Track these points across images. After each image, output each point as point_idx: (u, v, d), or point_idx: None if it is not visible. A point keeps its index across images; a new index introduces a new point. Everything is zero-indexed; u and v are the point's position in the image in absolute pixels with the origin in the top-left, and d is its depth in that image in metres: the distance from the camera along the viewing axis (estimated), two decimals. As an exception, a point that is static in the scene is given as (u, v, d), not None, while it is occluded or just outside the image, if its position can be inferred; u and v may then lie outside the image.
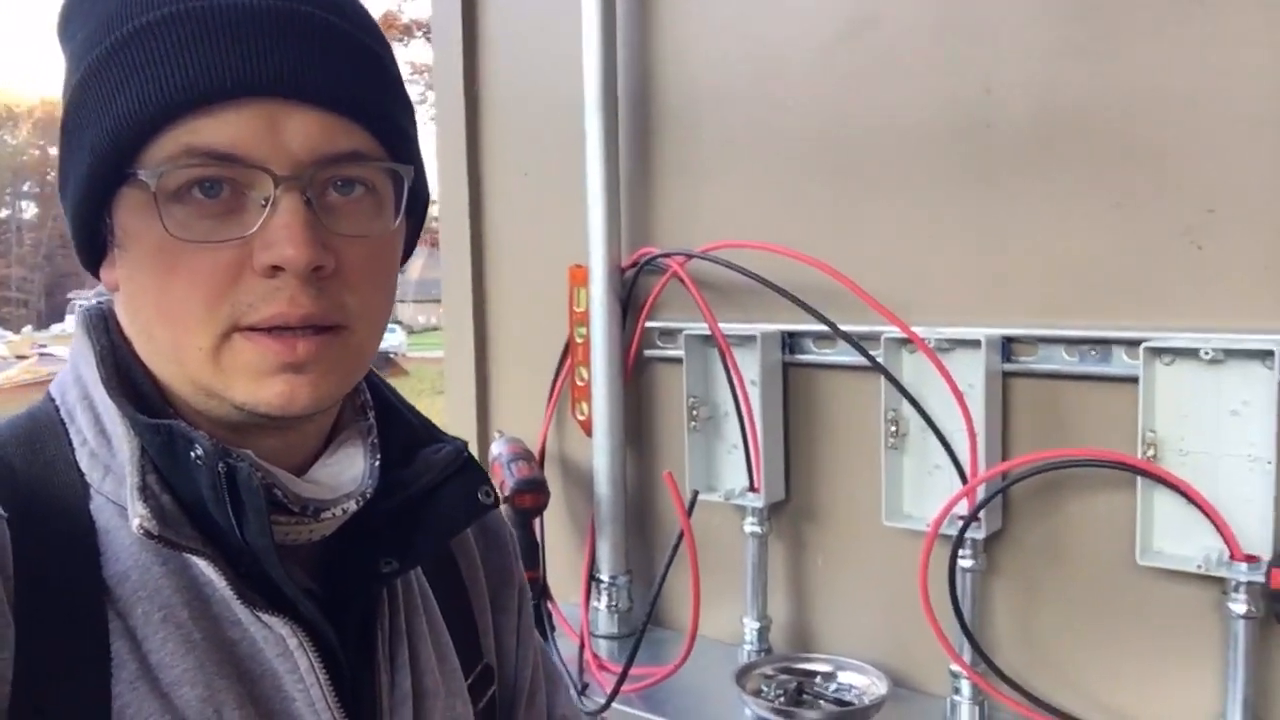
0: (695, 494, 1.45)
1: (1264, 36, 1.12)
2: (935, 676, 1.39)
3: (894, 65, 1.39)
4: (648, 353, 1.68)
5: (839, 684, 1.41)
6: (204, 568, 0.62)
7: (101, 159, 0.61)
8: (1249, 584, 1.12)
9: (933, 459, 1.36)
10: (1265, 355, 1.11)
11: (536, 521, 1.62)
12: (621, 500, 1.67)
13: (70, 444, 0.65)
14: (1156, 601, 1.23)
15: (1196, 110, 1.17)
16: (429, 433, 0.76)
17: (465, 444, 0.74)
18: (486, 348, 1.94)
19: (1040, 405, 1.31)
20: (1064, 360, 1.28)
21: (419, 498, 0.71)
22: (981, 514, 1.27)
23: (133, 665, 0.60)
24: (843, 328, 1.39)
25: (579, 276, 1.68)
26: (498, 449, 1.68)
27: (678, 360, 1.59)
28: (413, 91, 0.74)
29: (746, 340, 1.50)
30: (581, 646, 1.57)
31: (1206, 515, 1.14)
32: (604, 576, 1.67)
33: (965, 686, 1.32)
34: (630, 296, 1.66)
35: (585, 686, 1.51)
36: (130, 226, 0.63)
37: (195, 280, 0.61)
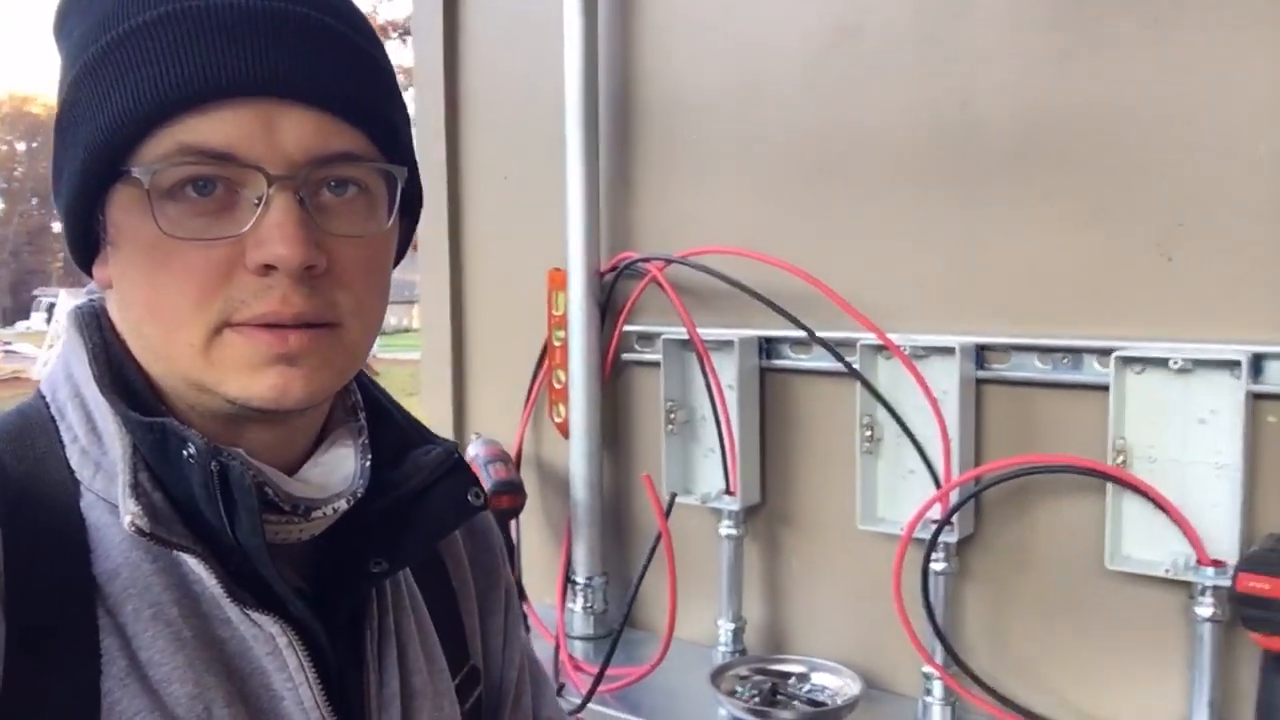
0: (673, 496, 1.46)
1: (1233, 55, 1.15)
2: (907, 678, 1.41)
3: (874, 75, 1.41)
4: (625, 356, 1.69)
5: (813, 685, 1.42)
6: (194, 565, 0.62)
7: (95, 156, 0.61)
8: (1215, 588, 1.14)
9: (907, 464, 1.38)
10: (1232, 365, 1.14)
11: (513, 523, 1.63)
12: (598, 502, 1.68)
13: (60, 441, 0.65)
14: (1125, 605, 1.26)
15: (1168, 125, 1.20)
16: (419, 434, 0.76)
17: (456, 446, 0.74)
18: (464, 349, 1.94)
19: (1013, 412, 1.33)
20: (1036, 368, 1.30)
21: (409, 498, 0.71)
22: (954, 518, 1.29)
23: (122, 662, 0.60)
24: (820, 334, 1.41)
25: (558, 280, 1.69)
26: (474, 450, 1.68)
27: (655, 364, 1.60)
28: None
29: (724, 345, 1.51)
30: (557, 648, 1.58)
31: (1174, 521, 1.17)
32: (579, 578, 1.68)
33: (937, 687, 1.34)
34: (609, 300, 1.67)
35: (561, 687, 1.51)
36: (123, 224, 0.63)
37: (187, 277, 0.61)
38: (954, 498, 1.30)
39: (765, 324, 1.49)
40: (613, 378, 1.71)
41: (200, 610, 0.64)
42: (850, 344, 1.40)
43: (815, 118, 1.47)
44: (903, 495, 1.39)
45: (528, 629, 1.62)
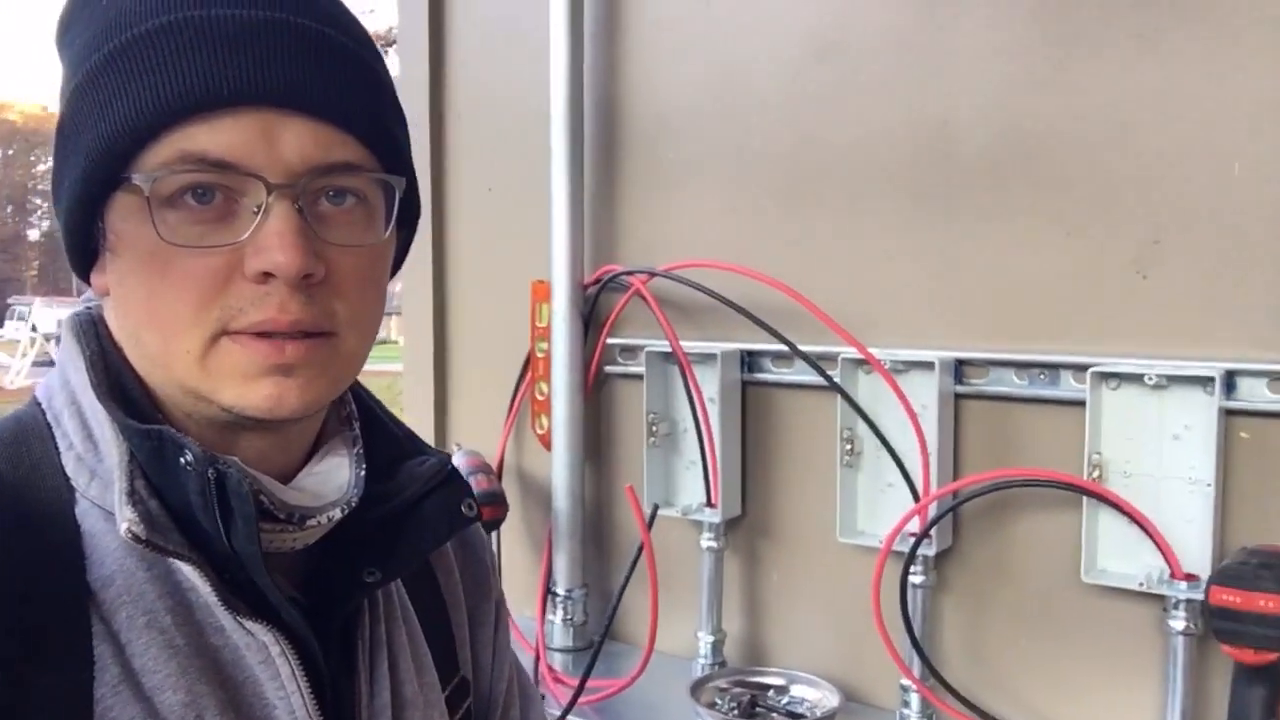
0: (656, 508, 1.47)
1: (1209, 76, 1.18)
2: (885, 690, 1.42)
3: (855, 92, 1.43)
4: (608, 369, 1.70)
5: (791, 697, 1.43)
6: (189, 573, 0.62)
7: (96, 163, 0.61)
8: (1188, 601, 1.16)
9: (886, 477, 1.39)
10: (1206, 381, 1.16)
11: (494, 535, 1.63)
12: (579, 514, 1.68)
13: (56, 448, 0.65)
14: (1100, 618, 1.27)
15: (1144, 144, 1.22)
16: (413, 445, 0.77)
17: (449, 457, 0.75)
18: (446, 360, 1.95)
19: (991, 426, 1.35)
20: (1014, 383, 1.32)
21: (402, 509, 0.72)
22: (933, 531, 1.31)
23: (115, 669, 0.60)
24: (801, 348, 1.42)
25: (541, 292, 1.69)
26: (456, 461, 1.68)
27: (638, 377, 1.61)
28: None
29: (706, 358, 1.52)
30: (537, 659, 1.58)
31: (1149, 535, 1.18)
32: (560, 590, 1.68)
33: (914, 700, 1.35)
34: (592, 313, 1.68)
35: (541, 699, 1.51)
36: (123, 231, 0.63)
37: (185, 285, 0.61)
38: (932, 511, 1.31)
39: (747, 337, 1.51)
40: (595, 390, 1.71)
41: (193, 618, 0.64)
42: (831, 358, 1.41)
43: (797, 134, 1.48)
44: (882, 508, 1.41)
45: (508, 640, 1.63)
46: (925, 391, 1.34)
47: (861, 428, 1.39)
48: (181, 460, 0.61)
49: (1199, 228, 1.19)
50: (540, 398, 1.72)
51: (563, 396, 1.65)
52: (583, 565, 1.69)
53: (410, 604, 0.80)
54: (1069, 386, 1.27)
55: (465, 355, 1.93)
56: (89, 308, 0.71)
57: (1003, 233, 1.32)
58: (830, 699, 1.39)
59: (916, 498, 1.33)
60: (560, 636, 1.68)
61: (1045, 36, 1.28)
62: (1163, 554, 1.18)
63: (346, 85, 0.64)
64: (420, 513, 0.72)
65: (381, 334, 0.75)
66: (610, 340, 1.68)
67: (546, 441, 1.70)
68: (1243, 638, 1.03)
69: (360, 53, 0.67)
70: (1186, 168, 1.19)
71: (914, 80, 1.38)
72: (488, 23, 1.84)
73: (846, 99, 1.44)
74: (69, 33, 0.66)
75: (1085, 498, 1.23)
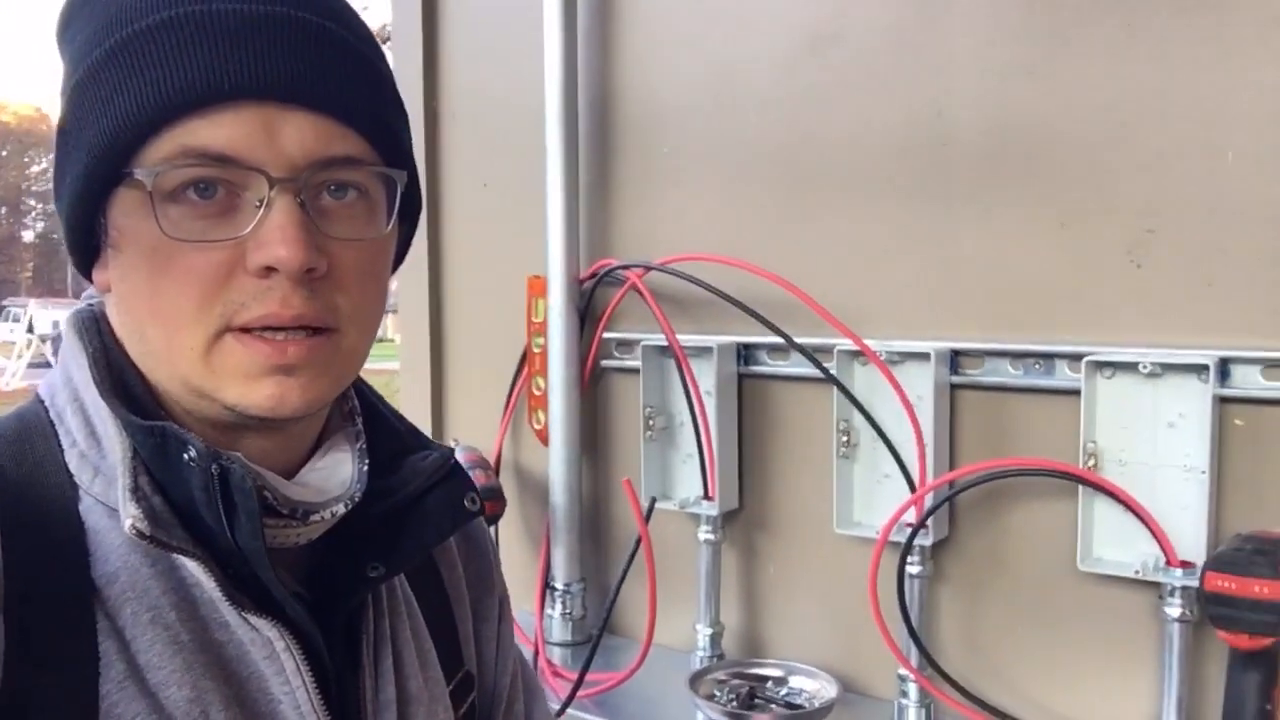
0: (653, 501, 1.47)
1: (1201, 65, 1.18)
2: (883, 680, 1.43)
3: (851, 83, 1.43)
4: (605, 363, 1.70)
5: (790, 688, 1.43)
6: (193, 569, 0.62)
7: (98, 159, 0.61)
8: (1184, 588, 1.17)
9: (883, 468, 1.40)
10: (1200, 369, 1.16)
11: (492, 529, 1.63)
12: (577, 509, 1.68)
13: (59, 445, 0.65)
14: (1096, 606, 1.28)
15: (1138, 134, 1.22)
16: (416, 439, 0.77)
17: (452, 451, 0.75)
18: (443, 356, 1.95)
19: (986, 416, 1.35)
20: (1009, 373, 1.32)
21: (406, 504, 0.72)
22: (929, 522, 1.31)
23: (121, 665, 0.60)
24: (797, 340, 1.42)
25: (537, 287, 1.70)
26: (454, 457, 1.68)
27: (635, 371, 1.61)
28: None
29: (703, 351, 1.53)
30: (536, 653, 1.58)
31: (1144, 523, 1.19)
32: (558, 584, 1.69)
33: (912, 690, 1.35)
34: (588, 307, 1.68)
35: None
36: (125, 226, 0.63)
37: (188, 280, 0.61)
38: (929, 501, 1.31)
39: (743, 330, 1.51)
40: (592, 384, 1.72)
41: (198, 614, 0.64)
42: (827, 350, 1.41)
43: (792, 126, 1.49)
44: (878, 499, 1.41)
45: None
46: (921, 382, 1.34)
47: (858, 419, 1.40)
48: (185, 456, 0.61)
49: (1193, 217, 1.20)
50: (537, 393, 1.73)
51: (559, 391, 1.66)
52: (581, 559, 1.69)
53: (414, 599, 0.80)
54: (1064, 376, 1.28)
55: (462, 351, 1.93)
56: (91, 305, 0.71)
57: (997, 223, 1.32)
58: (828, 689, 1.39)
59: (913, 488, 1.34)
60: (559, 630, 1.69)
61: (1038, 28, 1.28)
62: (1158, 541, 1.18)
63: (347, 79, 0.64)
64: (423, 507, 0.72)
65: (378, 332, 0.75)
66: (606, 334, 1.68)
67: (544, 436, 1.71)
68: (1238, 623, 1.03)
69: (360, 47, 0.67)
70: (1180, 157, 1.20)
71: (908, 72, 1.38)
72: (481, 19, 1.84)
73: (840, 92, 1.44)
74: (69, 29, 0.66)
75: (1081, 486, 1.24)
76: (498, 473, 1.78)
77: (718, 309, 1.50)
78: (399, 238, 0.73)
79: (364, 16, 0.72)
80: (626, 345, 1.67)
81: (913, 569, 1.34)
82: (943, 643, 1.39)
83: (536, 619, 1.68)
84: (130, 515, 0.60)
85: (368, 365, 0.72)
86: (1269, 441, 1.16)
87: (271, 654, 0.65)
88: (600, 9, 1.66)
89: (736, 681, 1.44)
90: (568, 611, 1.68)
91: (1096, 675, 1.29)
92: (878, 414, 1.37)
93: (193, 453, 0.61)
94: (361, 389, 0.78)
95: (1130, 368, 1.21)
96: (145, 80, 0.60)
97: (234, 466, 0.61)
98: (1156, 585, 1.20)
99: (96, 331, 0.68)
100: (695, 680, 1.41)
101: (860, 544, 1.42)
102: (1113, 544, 1.24)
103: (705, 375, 1.52)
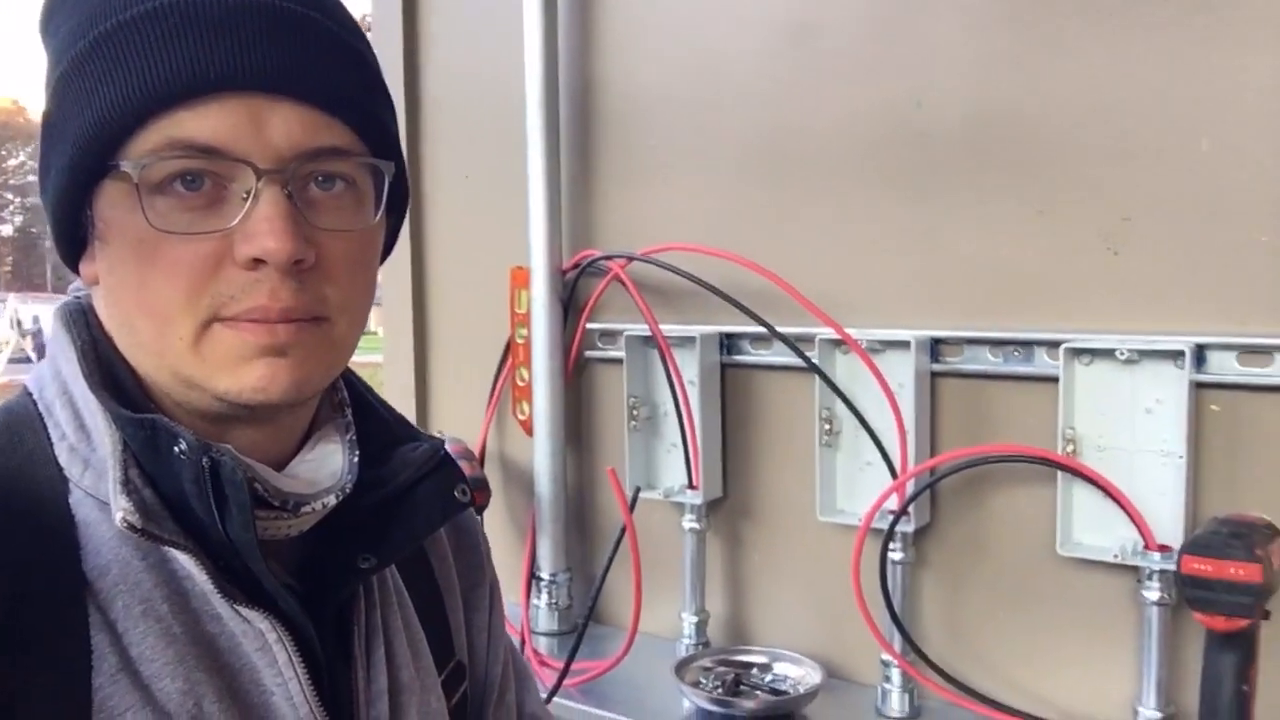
0: (638, 489, 1.48)
1: (1176, 55, 1.19)
2: (867, 666, 1.44)
3: (831, 73, 1.44)
4: (588, 353, 1.71)
5: (774, 675, 1.45)
6: (184, 562, 0.62)
7: (84, 151, 0.61)
8: (1162, 572, 1.18)
9: (865, 456, 1.41)
10: (1177, 356, 1.18)
11: (477, 520, 1.64)
12: (562, 499, 1.69)
13: (49, 438, 0.65)
14: (1076, 590, 1.29)
15: (1114, 123, 1.24)
16: (406, 430, 0.77)
17: (442, 442, 0.75)
18: (427, 348, 1.95)
19: (966, 404, 1.36)
20: (989, 361, 1.33)
21: (396, 495, 0.72)
22: (911, 508, 1.32)
23: (113, 658, 0.60)
24: (779, 329, 1.43)
25: (520, 278, 1.70)
26: (438, 448, 1.69)
27: (618, 361, 1.62)
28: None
29: (686, 341, 1.54)
30: (522, 643, 1.59)
31: (1122, 507, 1.20)
32: (544, 574, 1.69)
33: (895, 675, 1.37)
34: (571, 298, 1.69)
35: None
36: (111, 219, 0.63)
37: (176, 272, 0.61)
38: (910, 488, 1.32)
39: (726, 320, 1.52)
40: (576, 375, 1.72)
41: (190, 606, 0.64)
42: (809, 339, 1.42)
43: (773, 116, 1.49)
44: (861, 487, 1.42)
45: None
46: (902, 370, 1.35)
47: (840, 407, 1.41)
48: (175, 449, 0.61)
49: (1168, 204, 1.21)
50: (521, 384, 1.73)
51: (543, 382, 1.66)
52: (566, 549, 1.70)
53: (405, 589, 0.80)
54: (1043, 363, 1.29)
55: (445, 343, 1.93)
56: (78, 297, 0.70)
57: (976, 212, 1.33)
58: (813, 676, 1.41)
59: (894, 475, 1.35)
60: (545, 620, 1.69)
61: (1016, 19, 1.29)
62: (1136, 526, 1.20)
63: (333, 69, 0.64)
64: (414, 498, 0.72)
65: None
66: (590, 325, 1.68)
67: (528, 427, 1.71)
68: (1214, 605, 1.04)
69: (346, 37, 0.67)
70: (1156, 146, 1.21)
71: (886, 62, 1.39)
72: (461, 9, 1.84)
73: (820, 81, 1.45)
74: (53, 21, 0.66)
75: (1060, 472, 1.25)
76: (482, 464, 1.79)
77: (701, 299, 1.51)
78: (387, 228, 0.73)
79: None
80: (610, 336, 1.67)
81: (895, 555, 1.35)
82: (925, 628, 1.41)
83: (522, 609, 1.69)
84: (121, 508, 0.60)
85: (353, 358, 0.72)
86: (1245, 426, 1.18)
87: (264, 645, 0.65)
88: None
89: (722, 669, 1.45)
90: (553, 601, 1.69)
91: (1077, 658, 1.30)
92: (859, 402, 1.38)
93: (183, 445, 0.61)
94: (350, 380, 0.78)
95: (1108, 354, 1.22)
96: (130, 72, 0.60)
97: (225, 459, 0.61)
98: (1135, 569, 1.21)
99: (85, 324, 0.68)
100: (681, 668, 1.43)
101: (843, 531, 1.43)
102: (1092, 529, 1.25)
103: (688, 365, 1.53)
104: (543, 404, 1.66)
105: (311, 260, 0.63)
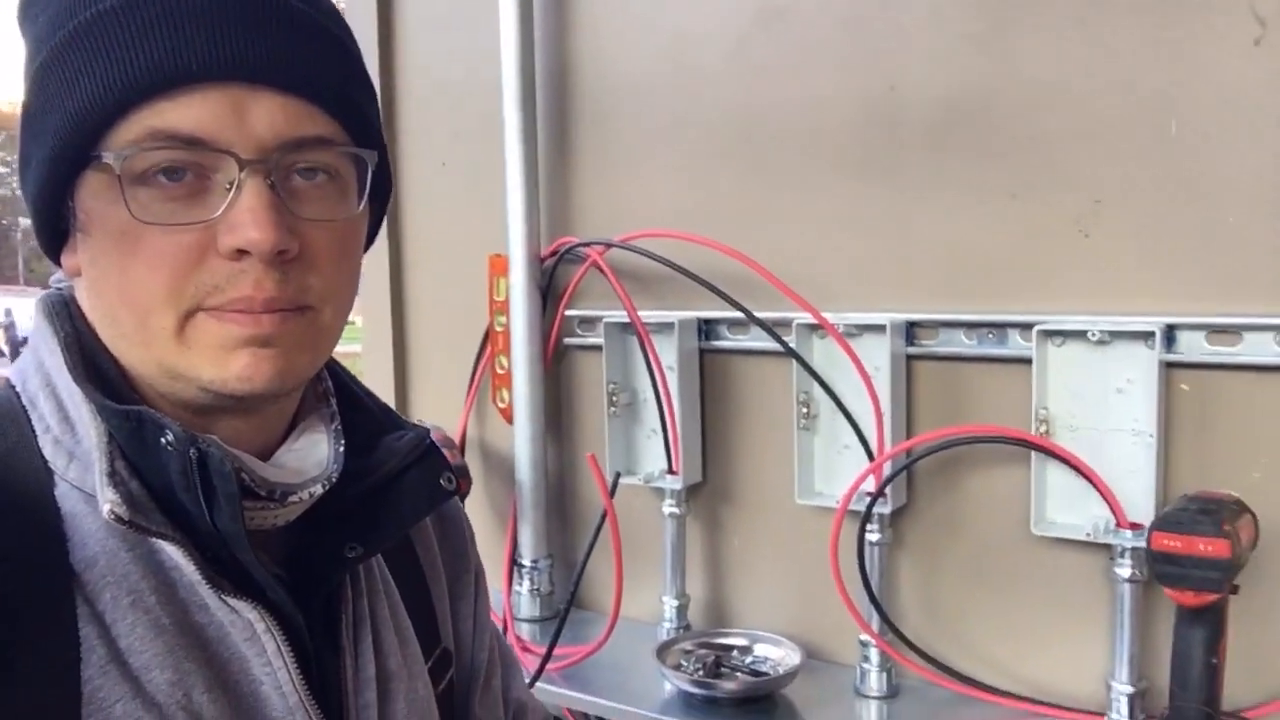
0: (618, 475, 1.49)
1: (1146, 39, 1.21)
2: (846, 646, 1.46)
3: (804, 58, 1.44)
4: (567, 340, 1.71)
5: (755, 656, 1.46)
6: (172, 552, 0.62)
7: (65, 142, 0.61)
8: (1133, 549, 1.20)
9: (842, 439, 1.42)
10: (1147, 336, 1.20)
11: (458, 508, 1.64)
12: (543, 486, 1.70)
13: (33, 431, 0.65)
14: (1049, 568, 1.31)
15: (1085, 107, 1.25)
16: (391, 420, 0.77)
17: (427, 431, 0.75)
18: (405, 337, 1.95)
19: (942, 386, 1.38)
20: (963, 343, 1.35)
21: (382, 484, 0.72)
22: (888, 490, 1.34)
23: (102, 650, 0.60)
24: (756, 314, 1.44)
25: (499, 266, 1.70)
26: (418, 437, 1.69)
27: (597, 348, 1.62)
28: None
29: (664, 327, 1.54)
30: (505, 629, 1.60)
31: (1094, 486, 1.22)
32: (526, 560, 1.70)
33: (874, 654, 1.38)
34: (550, 285, 1.69)
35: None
36: (93, 210, 0.63)
37: (159, 263, 0.61)
38: (887, 470, 1.34)
39: (704, 306, 1.53)
40: (555, 362, 1.73)
41: (178, 597, 0.64)
42: (786, 324, 1.43)
43: (746, 101, 1.50)
44: (838, 469, 1.44)
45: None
46: (878, 354, 1.36)
47: (817, 391, 1.42)
48: (162, 440, 0.61)
49: (1138, 188, 1.23)
50: (500, 371, 1.73)
51: (523, 369, 1.66)
52: (547, 536, 1.71)
53: (391, 578, 0.80)
54: (1016, 344, 1.31)
55: (424, 332, 1.93)
56: (59, 288, 0.70)
57: (949, 196, 1.35)
58: (792, 657, 1.42)
59: (871, 458, 1.36)
60: (527, 606, 1.70)
61: (988, 4, 1.30)
62: (1108, 504, 1.22)
63: (316, 59, 0.64)
64: (400, 487, 0.73)
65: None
66: (569, 312, 1.69)
67: (508, 415, 1.72)
68: (1184, 580, 1.06)
69: (328, 26, 0.66)
70: (1126, 130, 1.23)
71: (860, 47, 1.40)
72: (435, -4, 1.83)
73: (793, 65, 1.45)
74: (31, 9, 0.65)
75: (1033, 452, 1.27)
76: (463, 452, 1.79)
77: (678, 285, 1.51)
78: (370, 217, 0.73)
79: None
80: (589, 322, 1.68)
81: (872, 537, 1.37)
82: (903, 608, 1.43)
83: (504, 595, 1.70)
84: (108, 500, 0.60)
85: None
86: (1213, 405, 1.20)
87: (252, 636, 0.65)
88: (555, -14, 1.66)
89: (703, 651, 1.46)
90: (535, 587, 1.70)
91: (1051, 635, 1.33)
92: (836, 386, 1.40)
93: (170, 436, 0.61)
94: (335, 370, 0.78)
95: (1080, 335, 1.24)
96: (111, 62, 0.59)
97: (212, 449, 0.61)
98: (1107, 547, 1.23)
99: (67, 316, 0.67)
100: (662, 651, 1.44)
101: (821, 513, 1.45)
102: (1065, 508, 1.27)
103: (667, 351, 1.54)
104: (522, 391, 1.67)
105: (295, 250, 0.63)
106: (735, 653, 1.47)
